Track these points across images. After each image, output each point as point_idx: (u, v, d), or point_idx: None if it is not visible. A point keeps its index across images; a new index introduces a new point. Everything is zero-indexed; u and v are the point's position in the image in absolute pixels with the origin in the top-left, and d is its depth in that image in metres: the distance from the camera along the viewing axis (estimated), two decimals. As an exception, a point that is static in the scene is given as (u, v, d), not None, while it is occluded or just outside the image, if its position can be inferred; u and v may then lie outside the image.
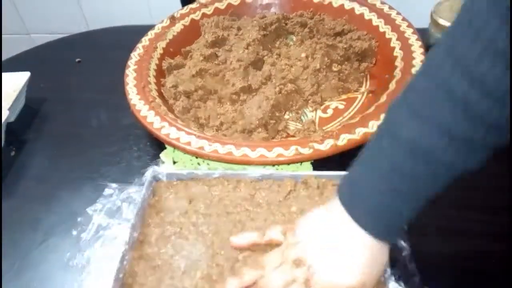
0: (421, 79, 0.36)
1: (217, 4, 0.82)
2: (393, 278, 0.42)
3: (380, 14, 0.74)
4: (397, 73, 0.64)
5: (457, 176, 0.36)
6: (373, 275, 0.39)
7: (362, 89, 0.69)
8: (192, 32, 0.79)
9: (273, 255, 0.43)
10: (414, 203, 0.37)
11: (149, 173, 0.54)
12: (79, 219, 0.54)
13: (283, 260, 0.42)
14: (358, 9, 0.77)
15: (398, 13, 0.73)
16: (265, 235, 0.45)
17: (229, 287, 0.43)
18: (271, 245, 0.45)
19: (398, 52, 0.67)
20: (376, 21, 0.74)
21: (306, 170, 0.58)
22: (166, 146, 0.63)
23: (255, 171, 0.54)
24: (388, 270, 0.42)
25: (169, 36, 0.77)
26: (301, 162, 0.58)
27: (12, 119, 0.72)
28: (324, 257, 0.40)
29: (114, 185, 0.55)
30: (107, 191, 0.54)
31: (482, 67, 0.31)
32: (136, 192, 0.53)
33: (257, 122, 0.61)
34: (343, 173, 0.51)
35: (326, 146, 0.55)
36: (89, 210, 0.53)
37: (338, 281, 0.39)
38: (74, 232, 0.53)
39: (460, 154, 0.34)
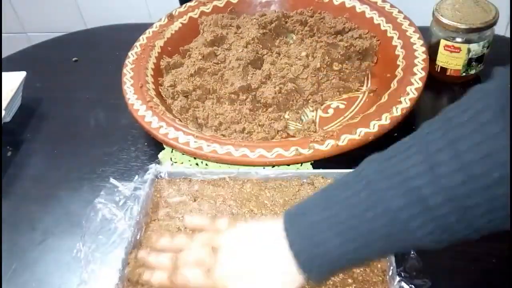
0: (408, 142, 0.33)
1: (216, 2, 0.81)
2: (397, 277, 0.42)
3: (382, 12, 0.73)
4: (399, 72, 0.64)
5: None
6: None
7: (363, 88, 0.68)
8: (191, 30, 0.79)
9: (204, 236, 0.43)
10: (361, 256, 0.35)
11: (152, 171, 0.54)
12: (79, 218, 0.53)
13: (208, 243, 0.41)
14: (359, 7, 0.76)
15: (400, 12, 0.73)
16: (215, 222, 0.44)
17: (161, 241, 0.45)
18: None
19: (399, 51, 0.67)
20: (377, 19, 0.73)
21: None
22: (165, 146, 0.62)
23: (260, 171, 0.54)
24: (393, 269, 0.42)
25: (167, 34, 0.77)
26: (301, 162, 0.57)
27: (8, 119, 0.72)
28: (239, 277, 0.38)
29: (116, 182, 0.54)
30: (109, 188, 0.54)
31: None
32: (138, 189, 0.53)
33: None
34: (351, 171, 0.51)
35: (326, 147, 0.54)
36: (93, 205, 0.53)
37: None
38: (75, 229, 0.53)
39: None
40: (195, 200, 0.52)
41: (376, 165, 0.34)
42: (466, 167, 0.29)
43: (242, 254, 0.39)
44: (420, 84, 0.60)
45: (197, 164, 0.60)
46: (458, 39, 0.64)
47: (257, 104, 0.65)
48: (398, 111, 0.57)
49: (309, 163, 0.58)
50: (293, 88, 0.65)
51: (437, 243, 0.32)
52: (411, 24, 0.70)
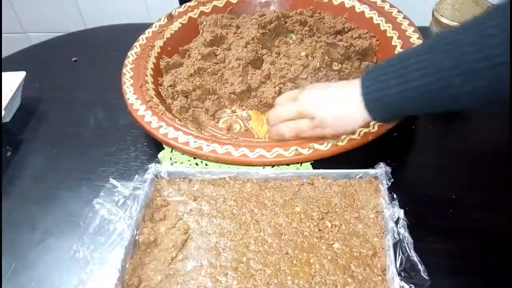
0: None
1: (215, 2, 0.81)
2: (397, 277, 0.42)
3: (381, 12, 0.73)
4: (398, 72, 0.63)
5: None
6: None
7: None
8: (190, 30, 0.79)
9: (281, 108, 0.57)
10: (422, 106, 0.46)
11: (151, 170, 0.54)
12: (79, 218, 0.53)
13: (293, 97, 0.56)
14: (359, 7, 0.76)
15: (399, 11, 0.73)
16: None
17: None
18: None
19: (399, 51, 0.67)
20: (377, 19, 0.73)
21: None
22: (164, 146, 0.62)
23: (260, 171, 0.54)
24: (393, 269, 0.42)
25: (167, 34, 0.77)
26: (301, 162, 0.57)
27: (7, 119, 0.72)
28: (325, 105, 0.52)
29: (116, 182, 0.54)
30: (109, 188, 0.54)
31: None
32: (138, 189, 0.53)
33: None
34: (351, 171, 0.51)
35: (326, 146, 0.54)
36: (91, 206, 0.53)
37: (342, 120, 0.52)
38: (75, 229, 0.53)
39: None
40: (195, 200, 0.52)
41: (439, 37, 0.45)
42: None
43: (323, 90, 0.53)
44: (419, 84, 0.60)
45: (196, 164, 0.60)
46: (458, 39, 0.64)
47: (257, 105, 0.65)
48: (397, 111, 0.57)
49: (309, 163, 0.58)
50: (293, 88, 0.65)
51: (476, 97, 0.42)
52: (411, 24, 0.70)
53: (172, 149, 0.62)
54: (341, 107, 0.51)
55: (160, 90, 0.69)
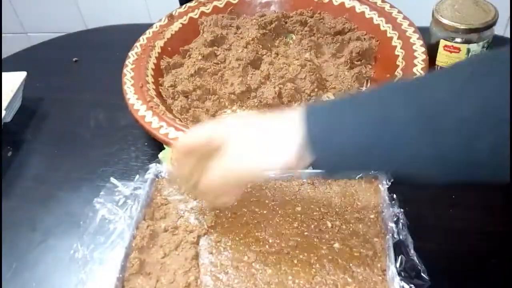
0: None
1: (216, 3, 0.81)
2: (397, 277, 0.42)
3: (381, 12, 0.73)
4: (398, 72, 0.64)
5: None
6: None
7: (363, 89, 0.68)
8: (191, 30, 0.79)
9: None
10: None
11: (152, 170, 0.54)
12: (79, 218, 0.53)
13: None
14: (359, 8, 0.76)
15: (399, 12, 0.73)
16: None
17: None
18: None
19: (399, 52, 0.67)
20: (377, 19, 0.73)
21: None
22: (165, 146, 0.62)
23: None
24: (393, 268, 0.42)
25: (167, 35, 0.77)
26: (301, 162, 0.57)
27: (8, 119, 0.72)
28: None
29: (116, 181, 0.54)
30: (109, 188, 0.54)
31: None
32: (139, 189, 0.53)
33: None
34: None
35: (326, 147, 0.54)
36: (91, 206, 0.53)
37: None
38: (75, 230, 0.53)
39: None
40: (195, 199, 0.52)
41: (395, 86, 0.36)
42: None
43: (251, 122, 0.40)
44: (419, 84, 0.60)
45: (197, 164, 0.60)
46: (458, 40, 0.64)
47: (257, 105, 0.65)
48: (398, 111, 0.57)
49: (309, 163, 0.58)
50: (293, 88, 0.65)
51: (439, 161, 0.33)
52: (411, 24, 0.70)
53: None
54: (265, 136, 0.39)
55: (160, 90, 0.69)
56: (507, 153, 0.30)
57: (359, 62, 0.70)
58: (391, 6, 0.74)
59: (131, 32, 0.78)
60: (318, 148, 0.36)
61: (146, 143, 0.65)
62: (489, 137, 0.30)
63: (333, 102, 0.39)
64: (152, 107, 0.62)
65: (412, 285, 0.41)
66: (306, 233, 0.47)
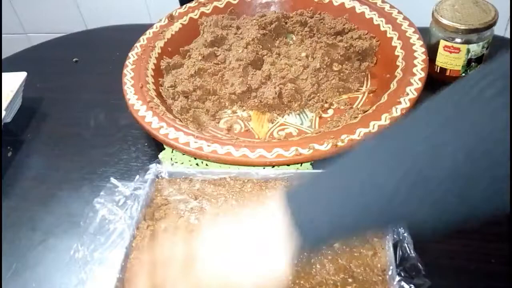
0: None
1: (216, 3, 0.81)
2: (397, 277, 0.42)
3: (381, 13, 0.73)
4: (398, 72, 0.64)
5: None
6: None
7: (363, 89, 0.68)
8: (191, 31, 0.79)
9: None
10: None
11: (152, 171, 0.55)
12: (79, 218, 0.53)
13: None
14: (359, 8, 0.76)
15: (399, 12, 0.73)
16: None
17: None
18: None
19: (399, 52, 0.67)
20: (377, 20, 0.73)
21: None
22: (165, 146, 0.62)
23: (261, 171, 0.54)
24: (393, 269, 0.42)
25: (168, 35, 0.77)
26: (301, 163, 0.57)
27: (8, 120, 0.72)
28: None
29: (117, 181, 0.54)
30: (109, 188, 0.54)
31: None
32: (139, 189, 0.53)
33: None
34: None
35: (326, 147, 0.54)
36: (91, 206, 0.53)
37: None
38: (75, 230, 0.53)
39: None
40: (196, 199, 0.52)
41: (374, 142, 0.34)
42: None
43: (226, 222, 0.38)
44: (419, 85, 0.60)
45: (197, 164, 0.60)
46: (458, 40, 0.64)
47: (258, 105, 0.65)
48: (397, 111, 0.57)
49: (309, 163, 0.58)
50: (293, 88, 0.65)
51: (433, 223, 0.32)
52: (411, 24, 0.70)
53: (172, 150, 0.62)
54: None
55: (160, 90, 0.69)
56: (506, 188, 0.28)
57: (358, 62, 0.70)
58: (391, 7, 0.74)
59: (131, 32, 0.78)
60: (309, 235, 0.34)
61: (146, 143, 0.65)
62: (483, 184, 0.28)
63: (312, 179, 0.36)
64: (152, 107, 0.62)
65: (412, 285, 0.41)
66: (306, 233, 0.47)
